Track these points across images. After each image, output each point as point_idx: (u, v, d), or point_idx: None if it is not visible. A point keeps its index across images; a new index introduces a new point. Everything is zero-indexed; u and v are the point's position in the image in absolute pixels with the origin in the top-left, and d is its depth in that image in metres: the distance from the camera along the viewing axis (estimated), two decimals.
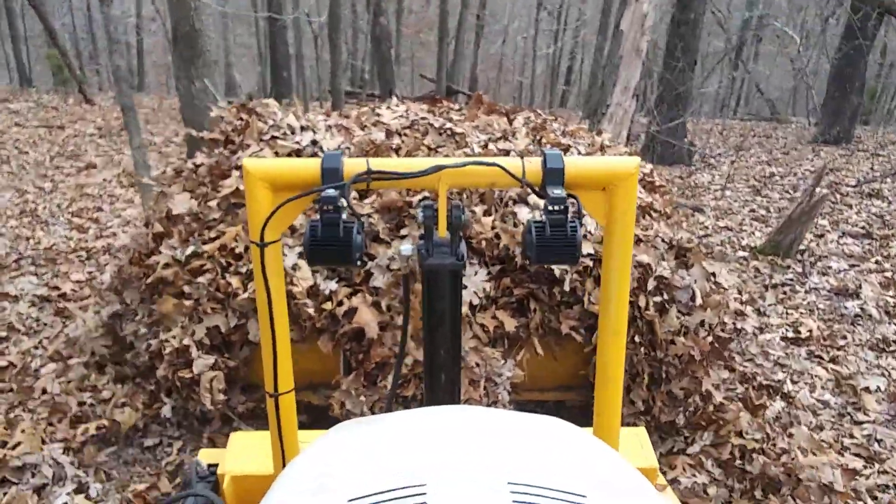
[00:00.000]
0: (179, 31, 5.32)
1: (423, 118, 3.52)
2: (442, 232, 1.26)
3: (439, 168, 1.19)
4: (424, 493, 0.66)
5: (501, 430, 0.87)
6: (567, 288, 2.78)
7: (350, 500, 0.67)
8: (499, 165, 1.21)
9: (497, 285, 2.85)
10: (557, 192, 1.20)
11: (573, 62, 27.72)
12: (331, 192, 1.15)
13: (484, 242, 2.84)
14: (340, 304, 2.68)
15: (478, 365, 2.72)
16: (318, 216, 1.17)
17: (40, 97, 15.24)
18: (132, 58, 25.13)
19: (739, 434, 2.77)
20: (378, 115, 3.62)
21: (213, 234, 2.96)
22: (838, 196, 8.27)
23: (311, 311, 2.67)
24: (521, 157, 1.25)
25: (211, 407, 2.80)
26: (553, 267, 2.80)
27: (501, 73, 27.97)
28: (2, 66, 24.00)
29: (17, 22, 20.09)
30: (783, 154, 11.73)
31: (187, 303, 2.80)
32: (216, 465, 1.82)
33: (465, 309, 2.76)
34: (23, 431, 2.81)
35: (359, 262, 1.22)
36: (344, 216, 1.17)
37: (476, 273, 2.81)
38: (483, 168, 1.22)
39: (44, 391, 3.14)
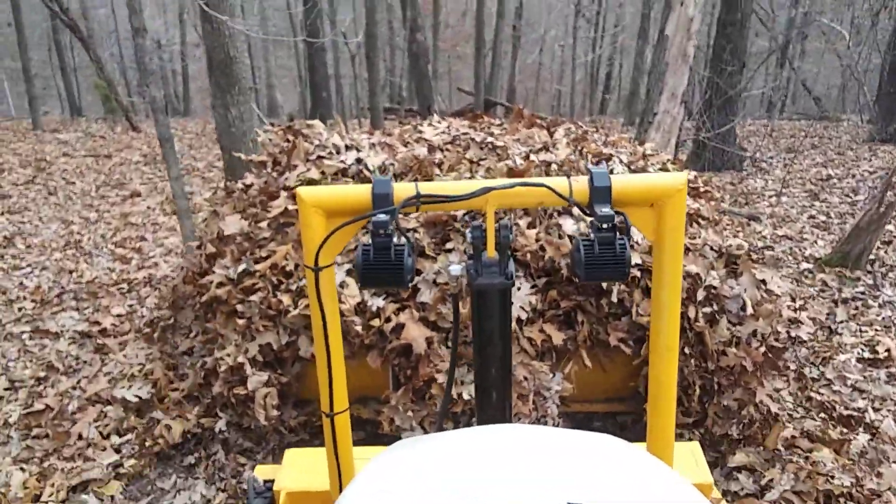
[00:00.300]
0: (214, 58, 5.44)
1: (464, 133, 3.57)
2: (490, 252, 1.28)
3: (487, 190, 1.22)
4: None
5: (555, 449, 0.87)
6: (615, 299, 2.76)
7: None
8: (546, 186, 1.23)
9: (544, 298, 2.84)
10: (605, 210, 1.21)
11: (612, 68, 27.25)
12: (382, 216, 1.18)
13: (529, 255, 2.84)
14: (388, 320, 2.71)
15: (526, 379, 2.72)
16: (369, 239, 1.21)
17: (89, 126, 15.64)
18: (178, 84, 25.72)
19: (822, 475, 2.58)
20: (420, 131, 3.68)
21: (263, 254, 3.03)
22: None
23: (358, 328, 2.71)
24: (568, 177, 1.27)
25: (265, 423, 2.86)
26: None
27: (539, 82, 27.81)
28: (54, 98, 25.00)
29: (65, 53, 20.91)
30: (838, 155, 11.17)
31: (240, 321, 2.88)
32: (272, 482, 1.86)
33: (512, 324, 2.76)
34: (52, 485, 2.79)
35: (409, 285, 1.24)
36: (395, 239, 1.20)
37: (520, 288, 2.81)
38: (530, 189, 1.24)
39: (80, 437, 3.12)
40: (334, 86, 14.93)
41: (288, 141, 3.53)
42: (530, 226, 2.92)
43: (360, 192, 1.25)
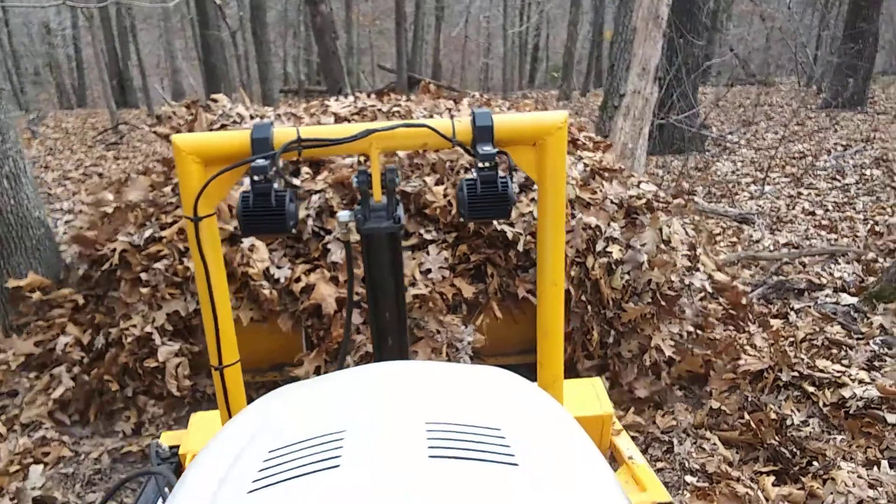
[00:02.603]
0: None
1: (371, 105, 3.58)
2: (377, 196, 1.27)
3: (369, 132, 1.22)
4: (342, 439, 0.68)
5: (428, 379, 0.90)
6: (521, 249, 2.84)
7: (270, 451, 0.69)
8: (428, 126, 1.24)
9: (453, 253, 2.89)
10: (487, 149, 1.24)
11: (539, 39, 26.52)
12: (261, 161, 1.15)
13: (438, 210, 2.88)
14: (298, 280, 2.69)
15: (438, 332, 2.77)
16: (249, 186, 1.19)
17: None
18: (73, 72, 23.29)
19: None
20: (327, 105, 3.66)
21: (169, 220, 2.94)
22: None
23: (267, 291, 2.68)
24: (451, 118, 1.28)
25: (178, 393, 2.81)
26: (507, 230, 2.85)
27: (465, 56, 26.85)
28: None
29: None
30: (799, 126, 10.06)
31: (145, 290, 2.80)
32: (178, 447, 1.83)
33: (425, 282, 2.80)
34: None
35: (294, 231, 1.24)
36: (276, 185, 1.18)
37: (440, 253, 2.85)
38: (413, 130, 1.25)
39: None
40: (236, 68, 14.06)
41: (192, 115, 3.46)
42: (438, 183, 2.95)
43: (238, 138, 1.22)
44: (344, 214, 1.31)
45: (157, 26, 21.73)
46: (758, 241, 5.28)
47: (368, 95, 3.99)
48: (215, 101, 3.72)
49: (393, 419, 0.73)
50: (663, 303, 2.80)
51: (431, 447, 0.66)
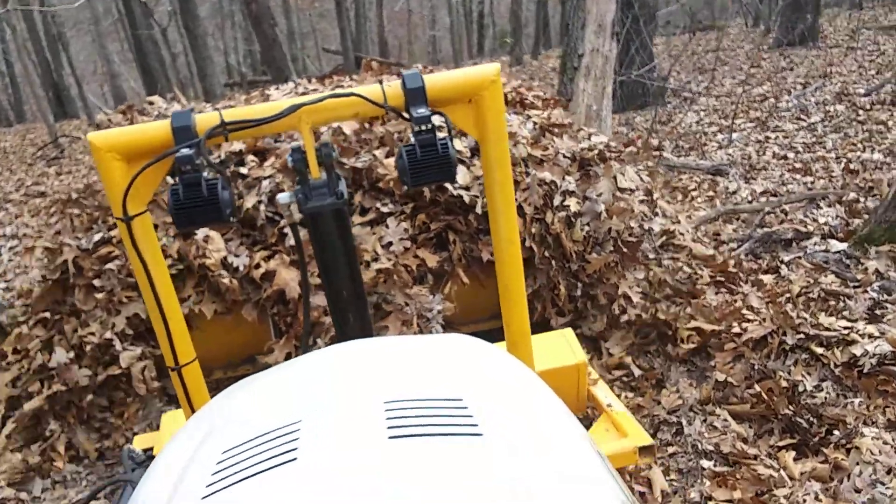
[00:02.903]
0: None
1: (313, 89, 3.51)
2: (315, 173, 1.24)
3: (297, 107, 1.17)
4: (298, 430, 0.66)
5: (385, 356, 0.87)
6: (479, 211, 2.82)
7: (224, 451, 0.67)
8: (357, 94, 1.20)
9: (413, 223, 2.86)
10: (422, 111, 1.20)
11: (483, 5, 25.63)
12: (186, 151, 1.11)
13: (392, 183, 2.84)
14: (258, 266, 2.65)
15: (406, 305, 2.75)
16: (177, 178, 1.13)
17: None
18: (7, 87, 22.40)
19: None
20: (267, 94, 3.59)
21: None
22: (862, 113, 6.68)
23: (226, 281, 2.63)
24: (381, 83, 1.24)
25: (146, 394, 2.76)
26: (463, 194, 2.83)
27: (411, 29, 26.16)
28: None
29: None
30: (755, 67, 9.83)
31: (100, 295, 2.72)
32: (151, 448, 1.80)
33: (388, 256, 2.77)
34: None
35: (232, 219, 1.19)
36: (206, 174, 1.13)
37: (398, 225, 2.82)
38: (342, 100, 1.21)
39: None
40: (175, 66, 13.43)
41: (128, 120, 3.40)
42: (388, 155, 2.91)
43: (158, 129, 1.16)
44: (284, 196, 1.27)
45: (88, 31, 20.82)
46: (734, 193, 5.09)
47: (310, 81, 3.91)
48: (151, 103, 3.66)
49: (349, 402, 0.71)
50: (626, 250, 2.82)
51: (391, 427, 0.64)
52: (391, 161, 2.83)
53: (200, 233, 2.75)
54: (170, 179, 1.19)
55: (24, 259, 5.27)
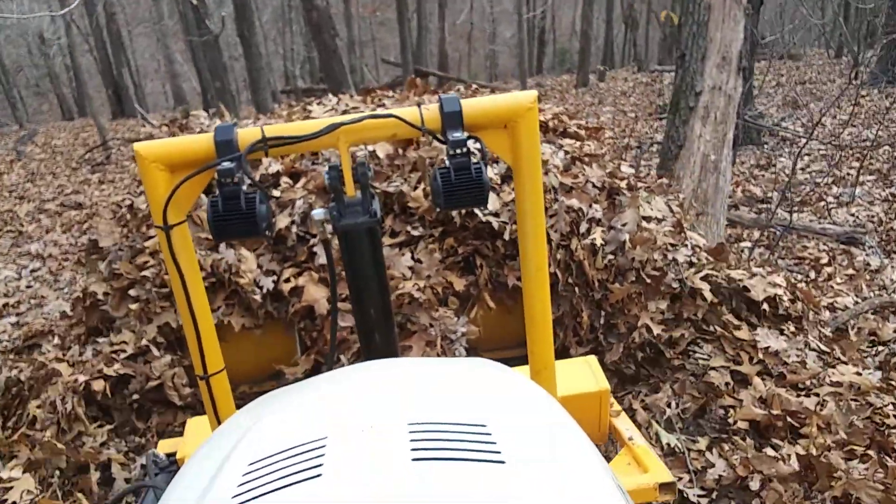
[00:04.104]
0: None
1: (353, 108, 3.58)
2: (350, 191, 1.26)
3: (336, 126, 1.21)
4: (324, 447, 0.67)
5: (411, 377, 0.88)
6: (508, 238, 2.85)
7: (251, 463, 0.68)
8: (396, 116, 1.23)
9: (441, 246, 2.90)
10: (457, 135, 1.22)
11: (545, 22, 24.92)
12: (227, 164, 1.14)
13: (421, 209, 2.90)
14: (287, 280, 2.70)
15: (431, 325, 2.78)
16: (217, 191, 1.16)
17: None
18: (71, 82, 22.73)
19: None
20: (309, 111, 3.66)
21: (151, 233, 2.95)
22: None
23: (258, 298, 2.69)
24: (419, 106, 1.27)
25: (180, 402, 2.81)
26: (492, 220, 2.87)
27: (471, 44, 25.62)
28: None
29: None
30: (856, 106, 8.28)
31: (134, 306, 2.80)
32: (174, 454, 1.84)
33: (416, 279, 2.81)
34: None
35: (268, 233, 1.22)
36: (245, 188, 1.16)
37: (427, 247, 2.86)
38: (381, 121, 1.24)
39: None
40: (233, 72, 13.52)
41: (171, 135, 3.51)
42: (420, 181, 2.96)
43: (202, 142, 1.20)
44: (318, 212, 1.29)
45: (154, 30, 21.10)
46: (878, 272, 4.12)
47: (351, 96, 3.98)
48: (194, 116, 3.76)
49: (375, 422, 0.72)
50: (649, 281, 2.82)
51: (415, 449, 0.65)
52: (419, 193, 2.88)
53: (231, 252, 2.82)
54: (204, 198, 1.23)
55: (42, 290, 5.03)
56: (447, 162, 1.24)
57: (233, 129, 1.19)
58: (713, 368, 2.72)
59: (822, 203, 5.55)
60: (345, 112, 3.56)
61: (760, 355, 2.73)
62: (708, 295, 2.84)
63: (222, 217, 1.16)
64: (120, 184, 9.25)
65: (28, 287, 5.34)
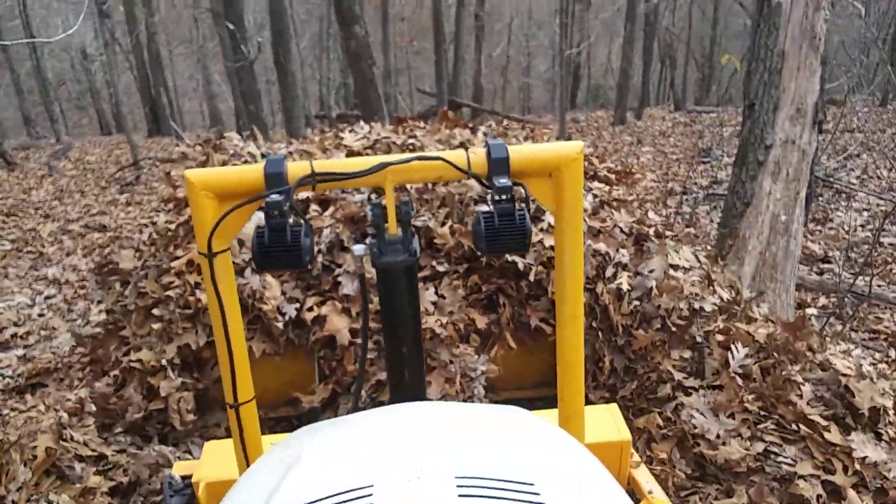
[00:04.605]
0: None
1: (385, 137, 3.61)
2: (392, 229, 1.28)
3: (384, 165, 1.22)
4: (371, 495, 0.67)
5: (453, 424, 0.88)
6: (532, 279, 2.84)
7: None
8: (443, 159, 1.25)
9: (465, 283, 2.90)
10: (503, 181, 1.23)
11: (580, 57, 24.07)
12: (275, 196, 1.15)
13: (448, 246, 2.90)
14: (311, 309, 2.71)
15: (451, 362, 2.76)
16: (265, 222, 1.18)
17: None
18: (111, 97, 23.10)
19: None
20: (341, 138, 3.71)
21: (179, 253, 2.97)
22: None
23: (280, 325, 2.70)
24: (466, 149, 1.29)
25: (181, 427, 2.79)
26: (517, 260, 2.86)
27: (506, 77, 25.59)
28: None
29: None
30: None
31: (156, 326, 2.81)
32: (190, 476, 1.83)
33: (439, 315, 2.80)
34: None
35: (309, 266, 1.23)
36: (290, 220, 1.18)
37: (451, 284, 2.85)
38: (428, 163, 1.25)
39: None
40: (269, 95, 13.53)
41: (205, 155, 3.55)
42: (447, 217, 2.97)
43: (252, 173, 1.21)
44: (359, 248, 1.31)
45: (194, 51, 21.45)
46: None
47: (383, 125, 4.02)
48: (227, 138, 3.80)
49: (422, 472, 0.71)
50: (674, 329, 2.79)
51: None
52: (446, 230, 2.89)
53: (256, 278, 2.83)
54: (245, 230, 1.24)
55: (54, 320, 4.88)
56: (490, 207, 1.25)
57: (283, 161, 1.21)
58: (802, 477, 2.37)
59: (889, 265, 5.04)
60: (376, 141, 3.59)
61: (857, 465, 2.37)
62: (805, 408, 2.48)
63: (267, 248, 1.18)
64: (147, 206, 9.20)
65: (40, 315, 5.20)
